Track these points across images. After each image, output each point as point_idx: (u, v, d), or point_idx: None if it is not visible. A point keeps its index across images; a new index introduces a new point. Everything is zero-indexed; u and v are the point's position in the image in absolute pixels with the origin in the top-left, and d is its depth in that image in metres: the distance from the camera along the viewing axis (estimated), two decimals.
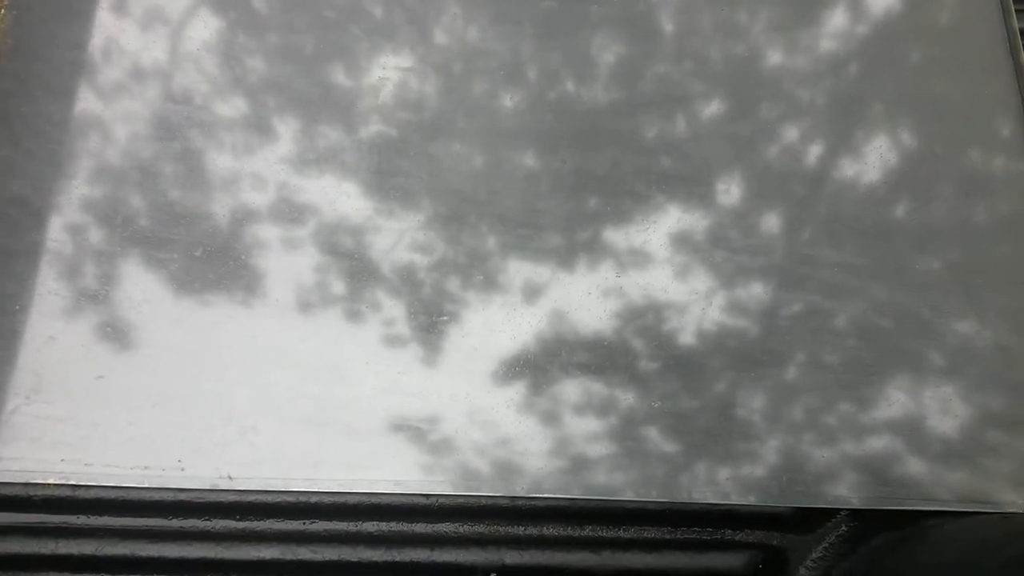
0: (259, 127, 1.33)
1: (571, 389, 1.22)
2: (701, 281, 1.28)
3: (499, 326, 1.24)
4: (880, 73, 1.40)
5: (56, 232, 1.24)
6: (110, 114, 1.32)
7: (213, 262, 1.24)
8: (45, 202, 1.26)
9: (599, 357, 1.24)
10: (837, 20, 1.44)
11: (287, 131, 1.33)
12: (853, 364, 1.24)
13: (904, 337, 1.26)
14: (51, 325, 1.20)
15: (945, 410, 1.23)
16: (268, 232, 1.27)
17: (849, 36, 1.43)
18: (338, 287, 1.25)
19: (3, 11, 1.34)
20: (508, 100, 1.37)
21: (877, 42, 1.42)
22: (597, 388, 1.23)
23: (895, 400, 1.23)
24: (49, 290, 1.22)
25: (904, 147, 1.36)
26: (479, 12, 1.43)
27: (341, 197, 1.29)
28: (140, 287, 1.23)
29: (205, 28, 1.39)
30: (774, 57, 1.42)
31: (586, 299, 1.27)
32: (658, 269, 1.28)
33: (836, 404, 1.23)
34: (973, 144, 1.35)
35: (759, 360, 1.24)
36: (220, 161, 1.30)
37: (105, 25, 1.38)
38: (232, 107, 1.34)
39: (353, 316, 1.24)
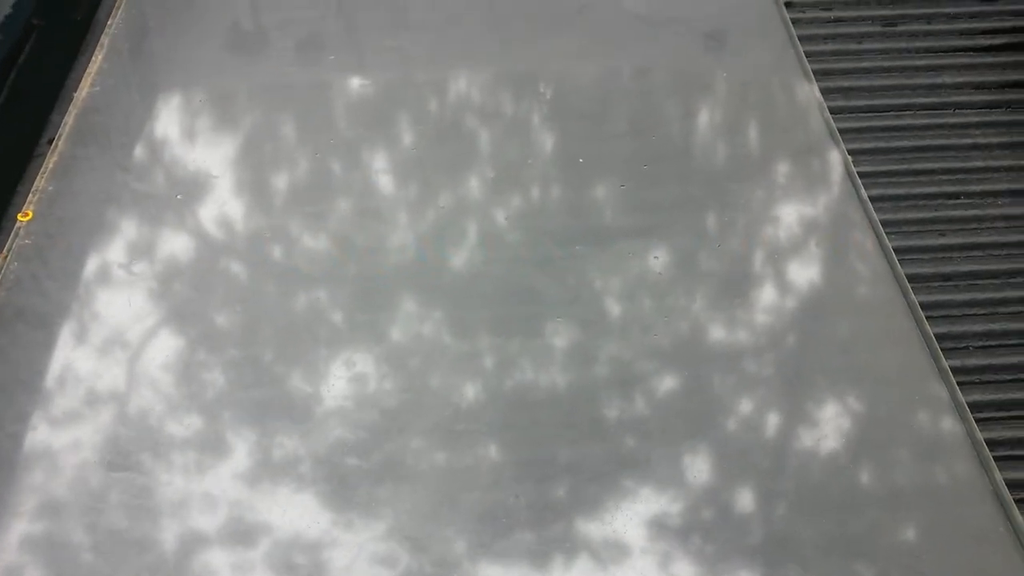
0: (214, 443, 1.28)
1: None
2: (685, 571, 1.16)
3: None
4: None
5: None
6: (59, 444, 1.27)
7: None
8: None
9: None
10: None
11: (241, 444, 1.28)
12: None
13: None
14: None
15: None
16: (218, 558, 1.17)
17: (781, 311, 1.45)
18: None
19: None
20: (469, 391, 1.34)
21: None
22: None
23: None
24: None
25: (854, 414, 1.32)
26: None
27: (296, 511, 1.21)
28: None
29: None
30: (717, 333, 1.42)
31: None
32: (637, 560, 1.17)
33: None
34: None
35: None
36: (171, 484, 1.24)
37: (63, 355, 1.38)
38: (185, 426, 1.30)
39: None
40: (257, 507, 1.22)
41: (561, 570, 1.16)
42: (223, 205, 1.59)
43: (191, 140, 1.72)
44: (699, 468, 1.26)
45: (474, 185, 1.65)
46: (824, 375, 1.36)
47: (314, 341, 1.40)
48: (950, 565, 1.17)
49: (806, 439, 1.30)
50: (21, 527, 1.20)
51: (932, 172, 1.83)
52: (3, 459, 1.27)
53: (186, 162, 1.67)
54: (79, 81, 1.80)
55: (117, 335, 1.40)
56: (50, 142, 1.69)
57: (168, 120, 1.76)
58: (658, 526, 1.20)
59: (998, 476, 1.23)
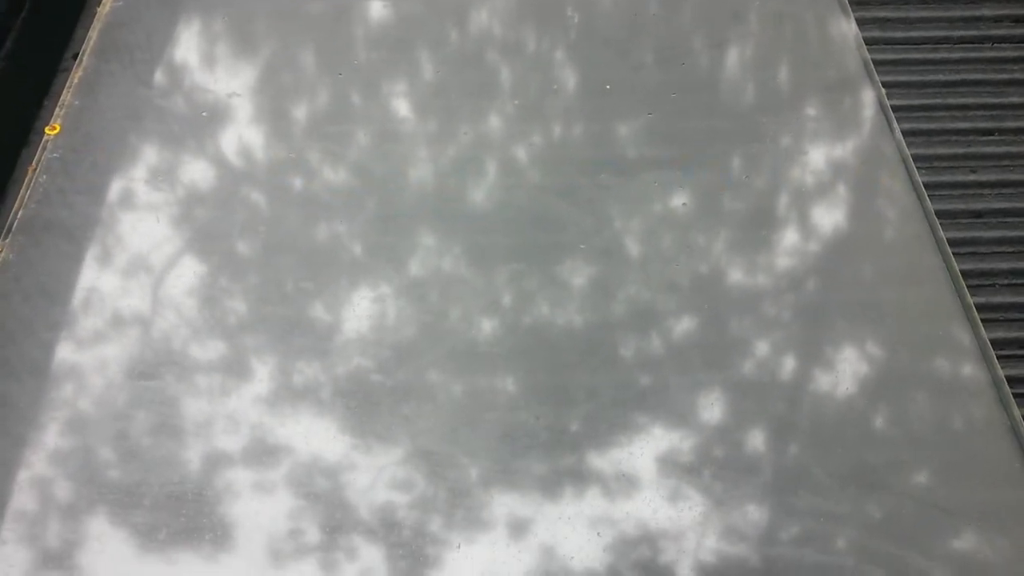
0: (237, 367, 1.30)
1: None
2: (693, 505, 1.18)
3: (487, 567, 1.14)
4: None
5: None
6: (86, 361, 1.29)
7: (183, 513, 1.17)
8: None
9: None
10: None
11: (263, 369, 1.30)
12: None
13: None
14: None
15: None
16: (240, 477, 1.20)
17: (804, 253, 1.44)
18: (313, 534, 1.16)
19: None
20: (488, 322, 1.34)
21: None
22: None
23: None
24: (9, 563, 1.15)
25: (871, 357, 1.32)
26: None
27: (316, 433, 1.24)
28: (107, 545, 1.15)
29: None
30: (739, 269, 1.41)
31: (574, 533, 1.17)
32: (647, 493, 1.19)
33: None
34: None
35: None
36: (195, 404, 1.26)
37: (89, 273, 1.39)
38: (208, 349, 1.31)
39: (329, 566, 1.14)
40: (278, 429, 1.24)
41: (572, 498, 1.18)
42: (245, 129, 1.58)
43: (213, 61, 1.70)
44: (713, 405, 1.27)
45: (497, 113, 1.63)
46: (847, 313, 1.36)
47: (335, 268, 1.41)
48: (965, 500, 1.18)
49: (824, 378, 1.30)
50: (50, 440, 1.23)
51: (967, 107, 1.79)
52: (35, 369, 1.29)
53: (207, 81, 1.65)
54: None
55: (141, 259, 1.41)
56: (74, 57, 1.68)
57: (190, 39, 1.74)
58: (670, 460, 1.22)
59: (1017, 413, 1.24)
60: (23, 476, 1.20)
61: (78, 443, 1.23)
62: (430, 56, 1.71)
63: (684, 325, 1.35)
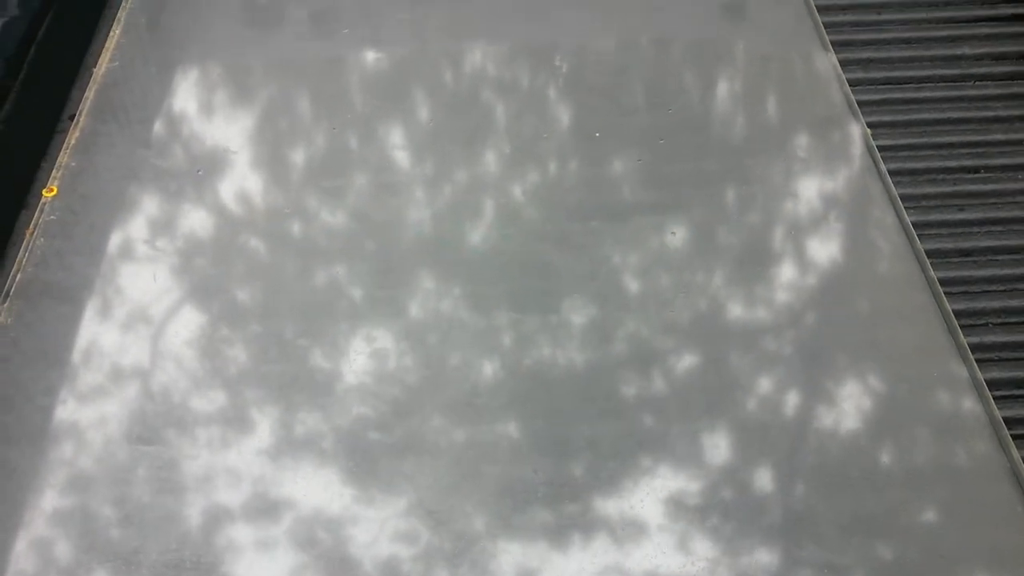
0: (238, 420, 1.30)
1: None
2: (702, 552, 1.18)
3: None
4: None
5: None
6: (86, 418, 1.30)
7: (185, 571, 1.17)
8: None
9: None
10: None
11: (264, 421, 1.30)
12: None
13: None
14: None
15: None
16: (242, 533, 1.20)
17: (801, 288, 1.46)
18: None
19: None
20: (487, 368, 1.35)
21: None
22: None
23: None
24: None
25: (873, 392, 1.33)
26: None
27: (318, 486, 1.24)
28: None
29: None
30: (734, 309, 1.42)
31: None
32: (655, 538, 1.19)
33: None
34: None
35: None
36: (196, 458, 1.26)
37: (89, 330, 1.40)
38: (209, 401, 1.32)
39: None
40: (280, 482, 1.24)
41: (579, 547, 1.18)
42: (242, 180, 1.60)
43: (209, 115, 1.72)
44: (717, 446, 1.27)
45: (490, 160, 1.66)
46: (842, 352, 1.37)
47: (334, 317, 1.42)
48: (969, 545, 1.18)
49: (824, 417, 1.30)
50: (51, 500, 1.23)
51: (952, 145, 1.82)
52: (33, 432, 1.29)
53: (204, 138, 1.68)
54: (98, 56, 1.81)
55: (141, 311, 1.42)
56: (71, 118, 1.70)
57: (186, 95, 1.76)
58: (676, 504, 1.22)
59: (1016, 455, 1.24)
60: (22, 540, 1.19)
61: (78, 504, 1.22)
62: (423, 105, 1.74)
63: (684, 365, 1.36)
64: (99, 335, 1.39)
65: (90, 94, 1.73)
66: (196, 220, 1.54)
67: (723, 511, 1.21)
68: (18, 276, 1.45)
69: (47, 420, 1.30)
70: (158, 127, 1.70)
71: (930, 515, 1.21)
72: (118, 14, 1.90)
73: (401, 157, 1.65)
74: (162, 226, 1.53)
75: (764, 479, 1.24)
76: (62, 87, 1.80)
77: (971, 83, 1.93)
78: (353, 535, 1.19)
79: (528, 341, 1.39)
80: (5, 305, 1.41)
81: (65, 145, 1.64)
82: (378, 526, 1.20)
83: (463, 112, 1.74)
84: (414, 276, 1.47)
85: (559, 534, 1.19)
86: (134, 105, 1.75)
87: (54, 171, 1.59)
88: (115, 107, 1.73)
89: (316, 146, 1.67)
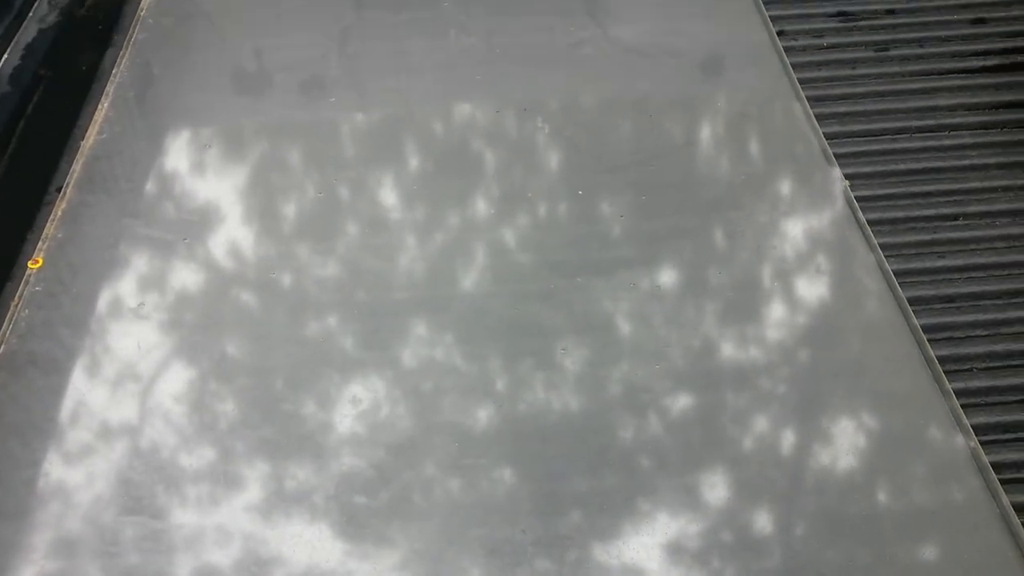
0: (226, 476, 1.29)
1: None
2: None
3: None
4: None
5: None
6: (73, 481, 1.29)
7: None
8: None
9: None
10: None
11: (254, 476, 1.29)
12: None
13: None
14: None
15: None
16: None
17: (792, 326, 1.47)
18: None
19: None
20: (480, 420, 1.35)
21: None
22: None
23: None
24: None
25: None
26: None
27: (310, 543, 1.22)
28: None
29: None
30: (719, 357, 1.43)
31: None
32: None
33: None
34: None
35: None
36: (185, 518, 1.25)
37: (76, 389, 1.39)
38: (199, 457, 1.31)
39: None
40: (271, 540, 1.23)
41: None
42: (230, 246, 1.62)
43: (197, 184, 1.74)
44: (714, 488, 1.27)
45: (476, 219, 1.67)
46: (827, 401, 1.37)
47: (325, 369, 1.42)
48: None
49: (813, 465, 1.30)
50: (36, 566, 1.21)
51: (929, 194, 1.85)
52: (18, 502, 1.28)
53: (192, 207, 1.69)
54: (86, 129, 1.84)
55: (128, 369, 1.42)
56: (58, 190, 1.72)
57: (174, 165, 1.79)
58: (675, 549, 1.21)
59: (1005, 500, 1.24)
60: None
61: (66, 567, 1.21)
62: (408, 166, 1.76)
63: (678, 409, 1.37)
64: (86, 397, 1.39)
65: (77, 166, 1.75)
66: (185, 280, 1.55)
67: (722, 553, 1.20)
68: (1, 348, 1.45)
69: (31, 490, 1.29)
70: (145, 196, 1.71)
71: (924, 559, 1.20)
72: (106, 88, 1.93)
73: (387, 218, 1.67)
74: (149, 290, 1.54)
75: (763, 521, 1.24)
76: (50, 160, 1.82)
77: (946, 133, 1.97)
78: None
79: (520, 394, 1.39)
80: None
81: (52, 216, 1.65)
82: None
83: (447, 175, 1.76)
84: (405, 331, 1.48)
85: None
86: (122, 176, 1.77)
87: (40, 242, 1.60)
88: (103, 178, 1.75)
89: (304, 208, 1.69)
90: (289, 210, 1.68)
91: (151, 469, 1.30)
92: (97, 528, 1.24)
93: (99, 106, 1.89)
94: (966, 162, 1.90)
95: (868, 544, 1.21)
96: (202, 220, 1.66)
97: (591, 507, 1.25)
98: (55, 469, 1.31)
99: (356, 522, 1.25)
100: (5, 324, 1.48)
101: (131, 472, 1.30)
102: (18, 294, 1.52)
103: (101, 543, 1.23)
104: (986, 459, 1.28)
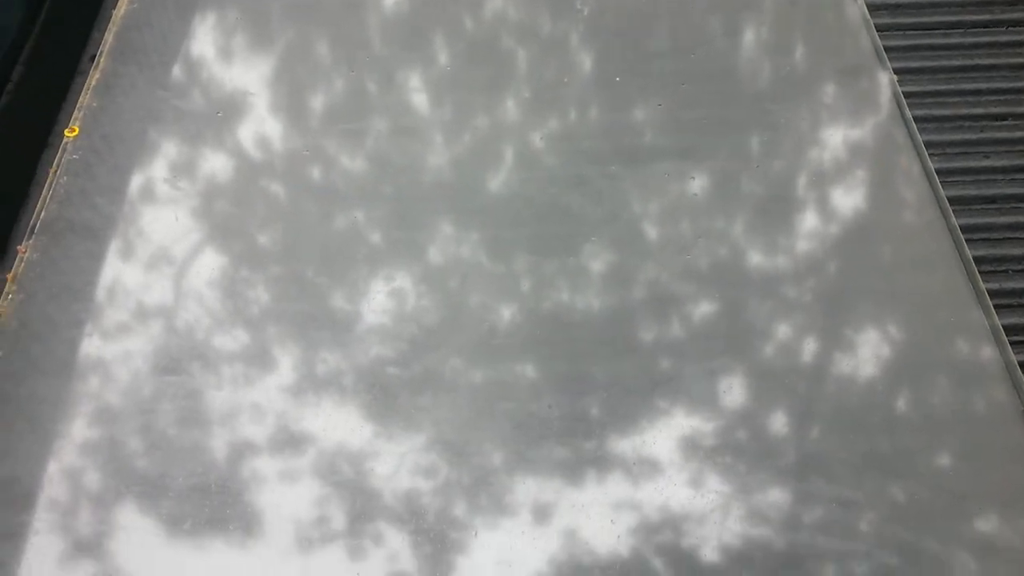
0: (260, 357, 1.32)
1: None
2: (714, 489, 1.19)
3: (510, 552, 1.16)
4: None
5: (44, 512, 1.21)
6: (112, 354, 1.32)
7: (208, 503, 1.19)
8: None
9: None
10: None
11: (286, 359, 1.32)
12: (880, 571, 1.13)
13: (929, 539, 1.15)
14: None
15: None
16: (266, 465, 1.22)
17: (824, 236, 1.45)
18: (339, 521, 1.18)
19: (10, 296, 1.38)
20: (505, 310, 1.36)
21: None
22: None
23: None
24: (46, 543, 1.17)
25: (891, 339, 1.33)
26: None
27: (340, 421, 1.26)
28: (136, 534, 1.17)
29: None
30: (754, 256, 1.42)
31: (598, 517, 1.18)
32: (668, 474, 1.20)
33: None
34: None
35: None
36: (219, 394, 1.28)
37: (112, 268, 1.41)
38: (233, 338, 1.34)
39: (356, 552, 1.16)
40: (302, 417, 1.26)
41: (594, 483, 1.20)
42: (261, 124, 1.60)
43: (228, 58, 1.72)
44: (732, 388, 1.28)
45: (510, 105, 1.65)
46: (861, 299, 1.36)
47: (353, 259, 1.43)
48: (979, 484, 1.19)
49: (841, 363, 1.31)
50: (79, 430, 1.25)
51: (979, 92, 1.79)
52: (61, 365, 1.32)
53: (223, 80, 1.67)
54: None
55: (163, 251, 1.44)
56: (92, 59, 1.70)
57: (204, 38, 1.76)
58: (690, 443, 1.23)
59: None
60: (53, 468, 1.22)
61: (105, 434, 1.25)
62: (442, 49, 1.73)
63: (701, 311, 1.37)
64: (122, 273, 1.41)
65: (109, 36, 1.73)
66: (216, 162, 1.55)
67: (736, 450, 1.22)
68: (42, 214, 1.46)
69: (73, 353, 1.32)
70: (177, 69, 1.70)
71: (942, 455, 1.22)
72: None
73: (420, 101, 1.65)
74: (183, 167, 1.54)
75: (779, 422, 1.25)
76: (82, 29, 1.80)
77: (1004, 28, 1.89)
78: (373, 468, 1.21)
79: (547, 284, 1.39)
80: (30, 241, 1.43)
81: (86, 86, 1.64)
82: (398, 459, 1.22)
83: (482, 58, 1.72)
84: (433, 220, 1.47)
85: (576, 469, 1.21)
86: (154, 48, 1.74)
87: (75, 111, 1.60)
88: (135, 49, 1.73)
89: (334, 89, 1.67)
90: (319, 94, 1.66)
91: (186, 346, 1.33)
92: (136, 398, 1.28)
93: None
94: (1021, 60, 1.84)
95: (890, 437, 1.23)
96: (233, 96, 1.64)
97: (615, 392, 1.27)
98: (94, 339, 1.34)
99: (386, 400, 1.27)
100: (45, 190, 1.49)
101: (167, 346, 1.33)
102: (56, 161, 1.53)
103: (140, 412, 1.27)
104: (1015, 359, 1.28)
